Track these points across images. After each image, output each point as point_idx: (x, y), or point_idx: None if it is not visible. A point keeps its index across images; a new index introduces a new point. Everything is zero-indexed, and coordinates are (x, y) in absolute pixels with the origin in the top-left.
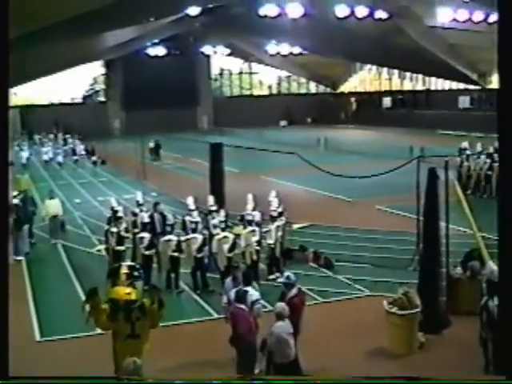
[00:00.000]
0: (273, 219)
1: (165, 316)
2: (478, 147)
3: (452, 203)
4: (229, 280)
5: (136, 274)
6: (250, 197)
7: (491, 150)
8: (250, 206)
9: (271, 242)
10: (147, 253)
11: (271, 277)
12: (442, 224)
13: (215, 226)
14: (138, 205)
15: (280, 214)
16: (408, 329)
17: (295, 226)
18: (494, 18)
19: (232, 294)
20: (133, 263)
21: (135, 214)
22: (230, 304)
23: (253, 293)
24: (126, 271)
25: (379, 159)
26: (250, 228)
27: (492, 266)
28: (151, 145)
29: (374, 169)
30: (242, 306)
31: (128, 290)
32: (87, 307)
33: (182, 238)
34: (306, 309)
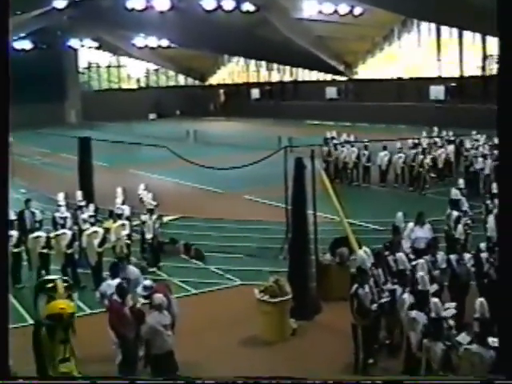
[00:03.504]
0: (150, 212)
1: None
2: (345, 136)
3: (319, 191)
4: (134, 268)
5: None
6: (119, 191)
7: (352, 138)
8: (120, 199)
9: (150, 236)
10: (15, 250)
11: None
12: (310, 212)
13: (85, 221)
14: None
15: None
16: (279, 316)
17: (166, 219)
18: (358, 10)
19: (111, 287)
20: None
21: None
22: (103, 298)
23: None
24: (64, 284)
25: (248, 150)
26: (119, 222)
27: (362, 254)
28: None
29: (243, 160)
30: (118, 299)
31: (63, 303)
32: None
33: (51, 235)
34: (178, 300)
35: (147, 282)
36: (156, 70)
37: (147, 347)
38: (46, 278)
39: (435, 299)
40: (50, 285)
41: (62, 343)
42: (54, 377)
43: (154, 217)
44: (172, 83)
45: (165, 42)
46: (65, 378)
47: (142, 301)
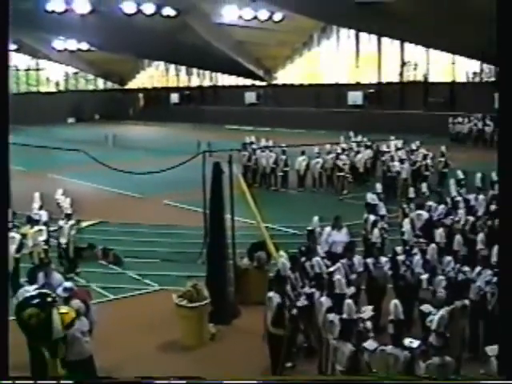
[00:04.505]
0: (68, 217)
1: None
2: (264, 141)
3: (237, 196)
4: (41, 275)
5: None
6: (36, 195)
7: (270, 143)
8: (37, 204)
9: (65, 241)
10: None
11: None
12: (228, 216)
13: None
14: None
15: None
16: (198, 321)
17: (84, 224)
18: (278, 16)
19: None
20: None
21: None
22: None
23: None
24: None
25: (168, 155)
26: (36, 227)
27: (284, 261)
28: None
29: (162, 164)
30: None
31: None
32: None
33: None
34: (97, 306)
35: (67, 284)
36: (75, 74)
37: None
38: (39, 291)
39: (348, 300)
40: (50, 298)
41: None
42: (53, 377)
43: (71, 222)
44: (91, 87)
45: (84, 46)
46: (64, 378)
47: (63, 309)
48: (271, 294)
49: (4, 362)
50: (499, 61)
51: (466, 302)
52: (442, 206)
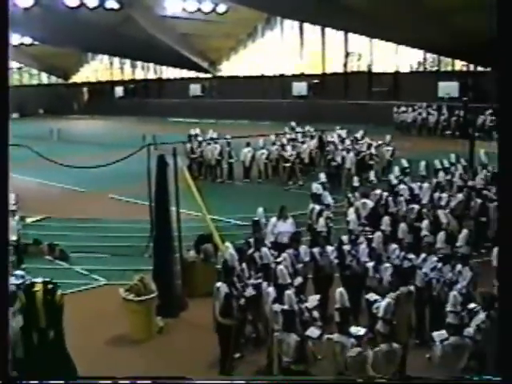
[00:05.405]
0: (12, 213)
1: None
2: (211, 133)
3: (183, 188)
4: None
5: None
6: None
7: (215, 135)
8: None
9: (14, 238)
10: None
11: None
12: (174, 209)
13: None
14: None
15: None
16: (146, 314)
17: (29, 220)
18: (222, 8)
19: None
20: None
21: None
22: None
23: None
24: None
25: (113, 149)
26: None
27: (232, 251)
28: None
29: (107, 158)
30: None
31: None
32: None
33: None
34: None
35: (19, 272)
36: (19, 69)
37: (13, 351)
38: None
39: (288, 291)
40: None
41: None
42: (53, 377)
43: (17, 218)
44: (35, 82)
45: (28, 40)
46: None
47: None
48: (219, 284)
49: (4, 362)
50: (499, 58)
51: (412, 288)
52: (388, 194)
